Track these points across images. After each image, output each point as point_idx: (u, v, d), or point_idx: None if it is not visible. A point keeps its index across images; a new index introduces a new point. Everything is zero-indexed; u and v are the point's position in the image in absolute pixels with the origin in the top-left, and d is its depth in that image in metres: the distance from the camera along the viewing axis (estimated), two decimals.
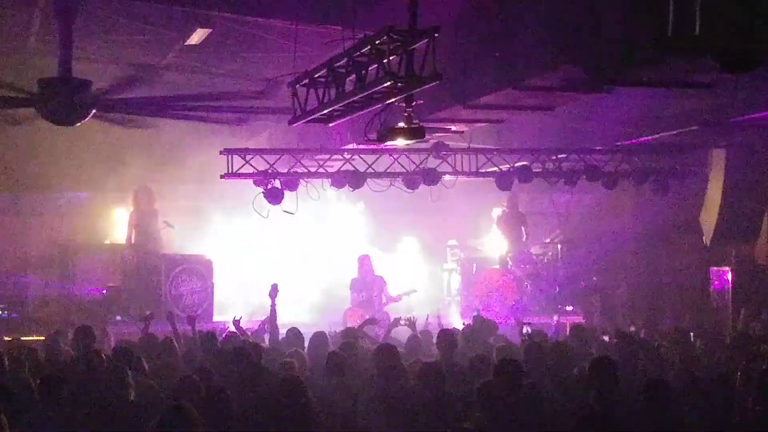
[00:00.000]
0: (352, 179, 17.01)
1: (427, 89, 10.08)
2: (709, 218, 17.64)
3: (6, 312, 18.38)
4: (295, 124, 12.83)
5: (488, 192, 19.82)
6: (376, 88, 10.20)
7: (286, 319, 14.48)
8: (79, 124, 14.18)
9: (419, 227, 21.94)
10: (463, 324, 13.75)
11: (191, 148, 18.62)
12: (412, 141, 11.76)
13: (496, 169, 17.89)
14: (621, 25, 9.51)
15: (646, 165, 18.19)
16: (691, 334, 13.40)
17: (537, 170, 18.00)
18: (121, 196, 20.30)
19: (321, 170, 17.40)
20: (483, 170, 17.89)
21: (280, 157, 17.20)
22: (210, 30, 13.42)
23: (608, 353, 10.82)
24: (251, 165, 16.89)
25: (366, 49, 10.17)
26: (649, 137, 16.85)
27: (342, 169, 17.24)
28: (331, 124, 12.58)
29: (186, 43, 14.07)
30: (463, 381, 9.49)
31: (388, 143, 12.04)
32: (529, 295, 20.35)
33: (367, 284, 18.27)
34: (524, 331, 12.74)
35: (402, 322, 13.13)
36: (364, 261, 18.65)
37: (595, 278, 20.03)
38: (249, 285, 19.35)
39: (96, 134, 17.45)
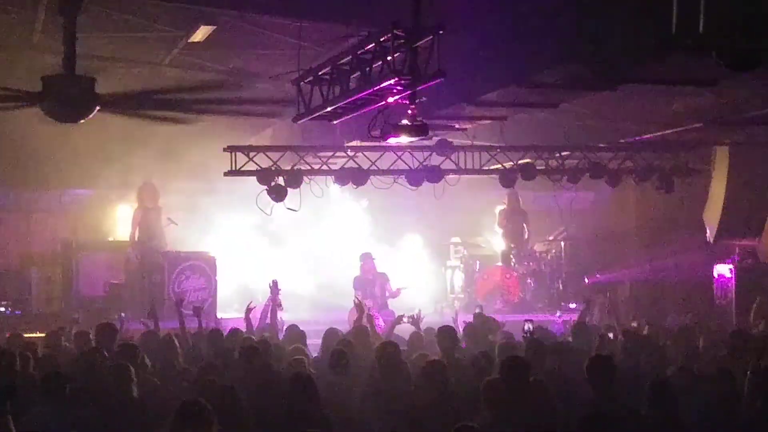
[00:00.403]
0: (356, 176, 17.01)
1: (431, 87, 10.09)
2: (712, 215, 17.66)
3: (9, 309, 18.40)
4: (299, 122, 12.84)
5: (492, 189, 19.85)
6: (380, 86, 10.21)
7: (288, 317, 14.51)
8: (82, 121, 14.18)
9: (422, 224, 21.96)
10: (457, 320, 13.72)
11: (195, 145, 18.61)
12: (416, 138, 11.77)
13: (499, 166, 17.89)
14: (625, 23, 9.51)
15: (650, 162, 18.20)
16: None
17: (540, 168, 18.01)
18: (124, 193, 20.33)
19: (324, 167, 17.41)
20: (486, 168, 17.89)
21: (283, 155, 17.20)
22: (214, 27, 13.42)
23: (612, 351, 10.86)
24: (255, 162, 16.89)
25: (370, 46, 10.19)
26: (653, 135, 16.84)
27: (345, 166, 17.25)
28: (335, 122, 12.59)
29: (190, 41, 14.07)
30: (465, 378, 9.49)
31: (392, 140, 12.04)
32: (533, 293, 20.39)
33: (370, 282, 18.28)
34: (526, 328, 12.74)
35: (405, 320, 13.13)
36: (367, 259, 18.66)
37: (598, 275, 20.03)
38: (252, 282, 19.39)
39: (100, 131, 17.41)
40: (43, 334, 13.96)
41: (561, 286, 20.63)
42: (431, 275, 21.71)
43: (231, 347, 11.07)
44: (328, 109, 11.69)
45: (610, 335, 11.69)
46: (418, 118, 11.28)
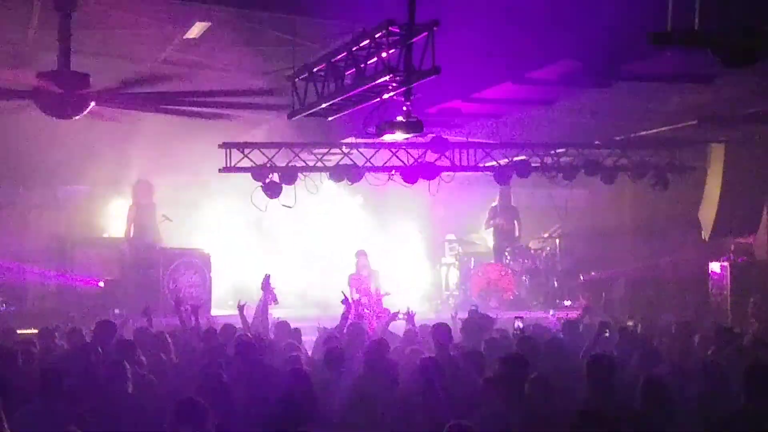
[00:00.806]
0: (351, 173, 17.00)
1: (426, 83, 10.08)
2: (707, 212, 17.67)
3: (4, 305, 18.38)
4: (294, 118, 12.83)
5: (487, 186, 19.84)
6: (375, 82, 10.21)
7: (282, 313, 14.49)
8: (77, 117, 14.16)
9: (417, 222, 21.94)
10: (456, 317, 13.72)
11: (190, 141, 18.58)
12: (411, 135, 11.75)
13: (494, 163, 17.89)
14: (620, 20, 9.51)
15: (645, 159, 18.21)
16: None
17: (535, 165, 18.01)
18: (119, 190, 20.31)
19: (319, 164, 17.40)
20: (481, 164, 17.89)
21: (278, 151, 17.19)
22: (209, 23, 13.40)
23: (605, 349, 10.85)
24: (250, 159, 16.87)
25: (365, 43, 10.19)
26: (648, 132, 16.85)
27: (340, 163, 17.23)
28: (330, 118, 12.58)
29: (185, 37, 14.05)
30: (459, 375, 9.49)
31: (387, 137, 12.03)
32: (528, 290, 20.39)
33: (364, 279, 18.26)
34: (516, 326, 12.72)
35: (400, 316, 13.12)
36: (361, 256, 18.65)
37: (593, 273, 20.04)
38: (246, 279, 19.36)
39: (94, 128, 17.39)
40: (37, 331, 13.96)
41: (556, 283, 20.64)
42: (426, 272, 21.70)
43: (224, 343, 11.06)
44: (323, 105, 11.69)
45: (606, 333, 11.67)
46: (413, 115, 11.28)
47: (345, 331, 12.13)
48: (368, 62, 10.39)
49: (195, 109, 15.40)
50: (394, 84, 10.15)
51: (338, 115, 12.29)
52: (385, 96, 10.62)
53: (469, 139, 17.49)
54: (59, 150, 19.18)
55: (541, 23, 10.76)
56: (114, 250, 19.18)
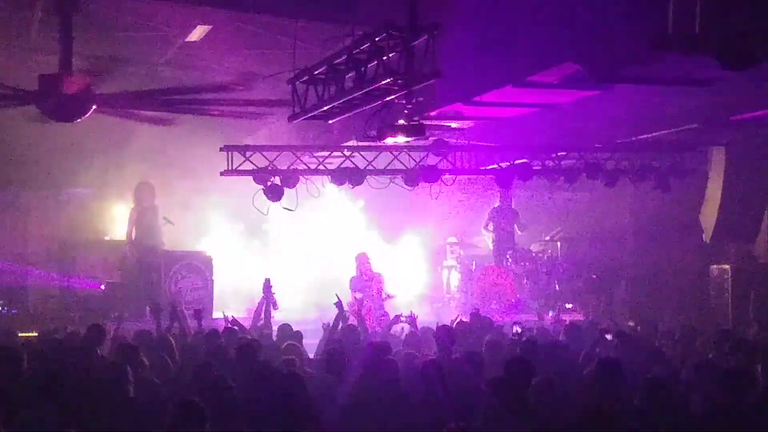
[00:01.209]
0: (352, 176, 16.99)
1: (427, 86, 10.09)
2: (709, 216, 17.64)
3: (6, 308, 18.38)
4: (294, 121, 12.83)
5: (488, 189, 19.85)
6: (376, 85, 10.21)
7: (283, 316, 14.50)
8: (79, 120, 14.18)
9: (419, 224, 21.93)
10: (455, 321, 13.72)
11: (191, 144, 18.61)
12: (412, 138, 11.77)
13: (495, 166, 17.88)
14: (621, 23, 9.51)
15: (646, 163, 18.19)
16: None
17: (537, 168, 18.00)
18: (121, 192, 20.31)
19: (321, 167, 17.38)
20: (483, 167, 17.88)
21: (279, 154, 17.19)
22: (210, 27, 13.42)
23: (607, 352, 10.86)
24: (251, 162, 16.86)
25: (366, 46, 10.20)
26: (649, 135, 16.82)
27: (342, 166, 17.22)
28: (330, 121, 12.59)
29: (186, 40, 14.07)
30: (459, 378, 9.49)
31: (389, 140, 12.03)
32: (529, 293, 20.38)
33: (366, 282, 18.26)
34: (514, 330, 12.72)
35: (402, 320, 13.13)
36: (362, 259, 18.64)
37: (594, 276, 20.03)
38: (248, 282, 19.36)
39: (96, 130, 17.43)
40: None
41: (557, 286, 20.63)
42: (427, 275, 21.70)
43: (226, 345, 11.06)
44: (324, 108, 11.70)
45: (608, 336, 11.67)
46: (415, 118, 11.29)
47: (339, 331, 12.15)
48: (369, 65, 10.40)
49: (196, 111, 15.45)
50: (395, 87, 10.16)
51: (339, 118, 12.29)
52: (386, 99, 10.63)
53: (471, 142, 17.49)
54: (61, 153, 19.24)
55: (542, 27, 10.77)
56: (115, 253, 19.18)
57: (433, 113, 13.66)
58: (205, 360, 10.05)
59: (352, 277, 18.45)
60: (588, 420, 7.03)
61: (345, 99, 11.12)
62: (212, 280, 18.48)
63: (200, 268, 18.41)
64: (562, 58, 10.66)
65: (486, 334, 12.66)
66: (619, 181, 18.18)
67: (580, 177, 17.91)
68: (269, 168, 16.84)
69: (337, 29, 10.90)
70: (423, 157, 17.41)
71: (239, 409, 8.07)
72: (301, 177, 16.93)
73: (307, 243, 21.35)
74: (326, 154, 17.42)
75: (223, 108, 16.30)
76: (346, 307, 16.49)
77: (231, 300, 19.16)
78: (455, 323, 13.29)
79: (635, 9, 9.14)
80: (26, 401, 8.49)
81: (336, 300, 13.02)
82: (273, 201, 16.81)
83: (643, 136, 17.06)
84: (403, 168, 17.37)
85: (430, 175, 17.11)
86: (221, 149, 16.90)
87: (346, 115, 11.93)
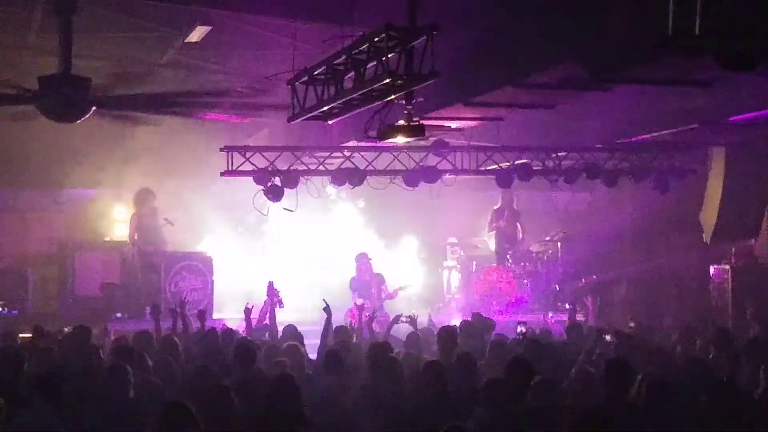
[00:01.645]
0: (352, 177, 16.99)
1: (427, 87, 10.09)
2: (708, 216, 17.66)
3: (6, 309, 18.38)
4: (294, 122, 12.83)
5: (488, 190, 19.84)
6: (375, 86, 10.21)
7: (285, 318, 14.50)
8: (79, 121, 14.18)
9: (419, 225, 21.93)
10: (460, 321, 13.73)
11: (191, 145, 18.62)
12: (412, 138, 11.76)
13: (496, 166, 17.88)
14: (621, 23, 9.51)
15: (646, 163, 18.20)
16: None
17: (537, 168, 18.01)
18: (120, 193, 20.33)
19: (321, 168, 17.38)
20: (483, 168, 17.88)
21: (279, 155, 17.19)
22: (210, 27, 13.41)
23: (605, 352, 10.86)
24: (251, 162, 16.86)
25: (365, 46, 10.19)
26: (649, 135, 16.83)
27: (342, 166, 17.22)
28: (330, 122, 12.59)
29: (186, 41, 14.07)
30: (462, 378, 9.49)
31: (388, 141, 12.03)
32: (529, 294, 20.38)
33: (366, 283, 18.25)
34: (519, 330, 12.71)
35: (403, 319, 13.12)
36: (362, 260, 18.63)
37: (594, 276, 20.03)
38: (248, 283, 19.36)
39: (96, 131, 17.44)
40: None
41: (557, 286, 20.62)
42: (428, 276, 21.69)
43: (224, 348, 11.06)
44: (323, 109, 11.69)
45: (607, 337, 11.67)
46: (415, 119, 11.28)
47: (330, 336, 12.16)
48: (368, 66, 10.40)
49: (196, 111, 15.45)
50: (394, 88, 10.15)
51: (338, 119, 12.29)
52: (386, 100, 10.62)
53: (471, 143, 17.49)
54: (60, 154, 19.24)
55: (542, 27, 10.76)
56: (115, 254, 19.18)
57: (433, 113, 13.66)
58: (203, 362, 10.06)
59: (352, 278, 18.44)
60: (588, 420, 7.03)
61: (345, 99, 11.11)
62: (212, 281, 18.48)
63: (200, 268, 18.41)
64: (562, 58, 10.66)
65: (487, 334, 12.69)
66: (619, 181, 18.18)
67: (580, 177, 17.91)
68: (269, 168, 16.84)
69: (337, 30, 10.88)
70: (423, 158, 17.41)
71: (235, 411, 8.06)
72: (301, 177, 16.92)
73: (307, 244, 21.34)
74: (326, 154, 17.42)
75: (223, 109, 16.31)
76: (346, 314, 16.59)
77: (231, 301, 19.18)
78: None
79: (635, 9, 9.14)
80: (26, 401, 8.51)
81: (324, 305, 13.01)
82: (273, 202, 16.82)
83: (642, 137, 17.07)
84: (403, 168, 17.37)
85: (430, 175, 17.11)
86: (221, 150, 16.90)
87: (346, 115, 11.93)
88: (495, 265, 20.65)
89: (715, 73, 9.85)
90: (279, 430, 7.87)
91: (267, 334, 13.04)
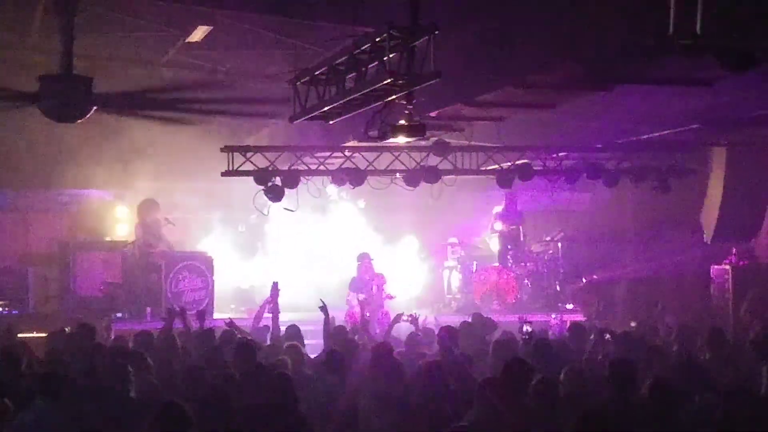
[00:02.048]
0: (353, 177, 16.98)
1: (428, 87, 10.09)
2: (709, 216, 17.67)
3: (7, 308, 18.39)
4: (295, 122, 12.83)
5: (489, 190, 19.84)
6: (376, 86, 10.20)
7: (285, 317, 14.51)
8: (80, 121, 14.19)
9: (419, 225, 21.92)
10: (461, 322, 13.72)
11: (192, 145, 18.61)
12: (413, 138, 11.77)
13: (496, 166, 17.88)
14: (622, 23, 9.51)
15: (647, 163, 18.18)
16: None
17: (538, 168, 18.00)
18: (122, 193, 20.33)
19: (321, 167, 17.37)
20: (484, 168, 17.88)
21: (280, 155, 17.19)
22: (211, 27, 13.42)
23: (606, 352, 10.87)
24: (252, 162, 16.86)
25: (366, 46, 10.18)
26: (650, 135, 16.84)
27: (343, 166, 17.21)
28: (331, 122, 12.59)
29: (187, 41, 14.08)
30: (463, 378, 9.49)
31: (389, 141, 12.03)
32: (530, 294, 20.38)
33: (367, 283, 18.25)
34: (524, 330, 12.70)
35: (404, 319, 13.12)
36: (364, 260, 18.63)
37: (595, 276, 20.03)
38: (249, 283, 19.38)
39: (96, 131, 17.45)
40: (40, 334, 13.99)
41: (558, 286, 20.62)
42: (428, 276, 21.69)
43: (222, 346, 11.06)
44: (325, 109, 11.69)
45: (608, 336, 11.67)
46: (416, 119, 11.29)
47: (330, 336, 12.16)
48: (369, 66, 10.40)
49: (197, 111, 15.45)
50: (395, 87, 10.15)
51: (340, 119, 12.29)
52: (387, 99, 10.62)
53: (471, 143, 17.48)
54: (62, 154, 19.25)
55: (542, 26, 10.77)
56: (116, 254, 19.18)
57: (433, 113, 13.67)
58: (199, 362, 10.06)
59: (353, 278, 18.45)
60: (588, 420, 7.03)
61: (346, 99, 11.11)
62: (213, 281, 18.48)
63: (201, 269, 18.41)
64: (563, 58, 10.66)
65: (487, 334, 12.68)
66: (619, 181, 18.17)
67: (580, 177, 17.90)
68: (270, 168, 16.84)
69: (338, 29, 10.89)
70: (424, 158, 17.39)
71: (233, 411, 8.06)
72: (301, 177, 16.92)
73: (308, 243, 21.34)
74: (327, 154, 17.41)
75: (224, 109, 16.32)
76: (344, 315, 16.60)
77: (231, 300, 19.18)
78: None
79: (636, 9, 9.14)
80: (26, 401, 8.52)
81: (321, 305, 13.00)
82: (273, 201, 16.81)
83: (643, 137, 17.07)
84: (404, 168, 17.37)
85: (431, 175, 17.09)
86: (222, 150, 16.90)
87: (347, 115, 11.92)
88: (496, 265, 20.64)
89: (716, 73, 9.86)
90: (278, 430, 7.87)
91: (269, 335, 13.01)
